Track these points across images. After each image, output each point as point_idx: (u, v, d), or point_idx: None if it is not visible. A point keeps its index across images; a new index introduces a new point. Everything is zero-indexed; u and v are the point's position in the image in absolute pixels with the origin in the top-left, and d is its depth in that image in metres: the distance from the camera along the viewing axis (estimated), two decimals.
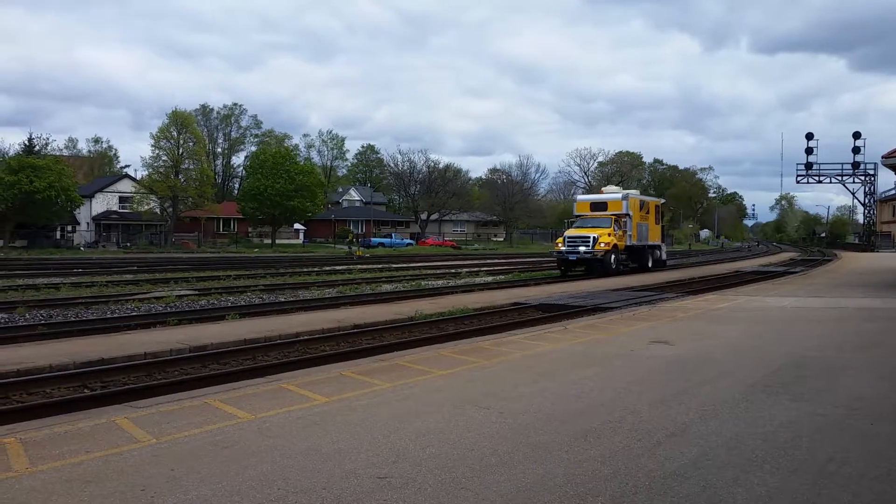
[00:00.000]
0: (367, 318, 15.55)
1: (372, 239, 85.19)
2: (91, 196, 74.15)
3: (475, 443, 5.84)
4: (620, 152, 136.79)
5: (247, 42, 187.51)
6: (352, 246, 62.21)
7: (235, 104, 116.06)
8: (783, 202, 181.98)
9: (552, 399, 7.43)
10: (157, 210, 71.80)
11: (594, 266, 31.26)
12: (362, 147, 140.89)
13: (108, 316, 16.35)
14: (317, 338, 13.22)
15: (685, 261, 53.39)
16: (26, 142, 74.77)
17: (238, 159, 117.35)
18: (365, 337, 13.74)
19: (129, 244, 67.78)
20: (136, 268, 34.76)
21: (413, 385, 8.16)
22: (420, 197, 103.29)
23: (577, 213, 35.41)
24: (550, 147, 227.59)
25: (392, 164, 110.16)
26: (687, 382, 8.41)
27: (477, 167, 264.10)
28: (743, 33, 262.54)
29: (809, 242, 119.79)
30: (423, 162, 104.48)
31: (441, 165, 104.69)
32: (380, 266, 39.77)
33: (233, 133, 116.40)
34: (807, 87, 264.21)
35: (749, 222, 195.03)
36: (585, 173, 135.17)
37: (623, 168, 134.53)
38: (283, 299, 20.71)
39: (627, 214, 33.47)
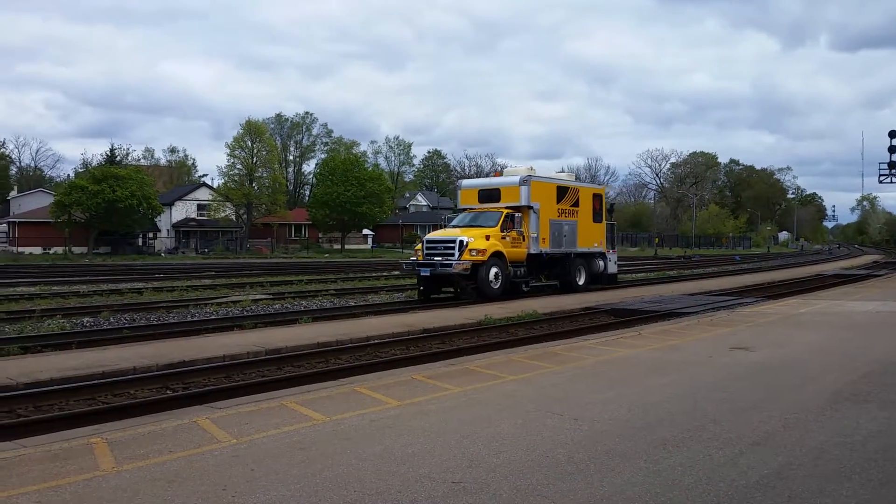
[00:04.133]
0: (436, 322, 15.59)
1: None
2: (171, 204, 76.72)
3: (549, 449, 5.77)
4: (694, 153, 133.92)
5: (320, 52, 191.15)
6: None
7: (307, 113, 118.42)
8: (865, 203, 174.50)
9: (628, 406, 7.28)
10: (233, 217, 73.84)
11: (463, 286, 20.85)
12: (428, 152, 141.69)
13: (188, 319, 16.86)
14: (387, 341, 13.33)
15: (761, 264, 51.75)
16: (108, 152, 78.14)
17: (309, 167, 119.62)
18: (434, 341, 13.78)
19: (206, 250, 69.84)
20: (213, 273, 35.76)
21: (484, 390, 8.13)
22: None
23: (463, 206, 24.14)
24: (622, 149, 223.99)
25: (458, 169, 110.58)
26: (769, 390, 8.13)
27: (545, 170, 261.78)
28: (822, 31, 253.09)
29: (894, 245, 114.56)
30: (489, 166, 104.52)
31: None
32: None
33: (304, 141, 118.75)
34: (890, 83, 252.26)
35: (829, 224, 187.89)
36: (657, 175, 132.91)
37: (697, 169, 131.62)
38: (353, 303, 20.97)
39: (529, 207, 22.30)
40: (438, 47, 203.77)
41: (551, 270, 23.89)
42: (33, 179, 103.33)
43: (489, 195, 23.27)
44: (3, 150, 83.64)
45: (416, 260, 21.70)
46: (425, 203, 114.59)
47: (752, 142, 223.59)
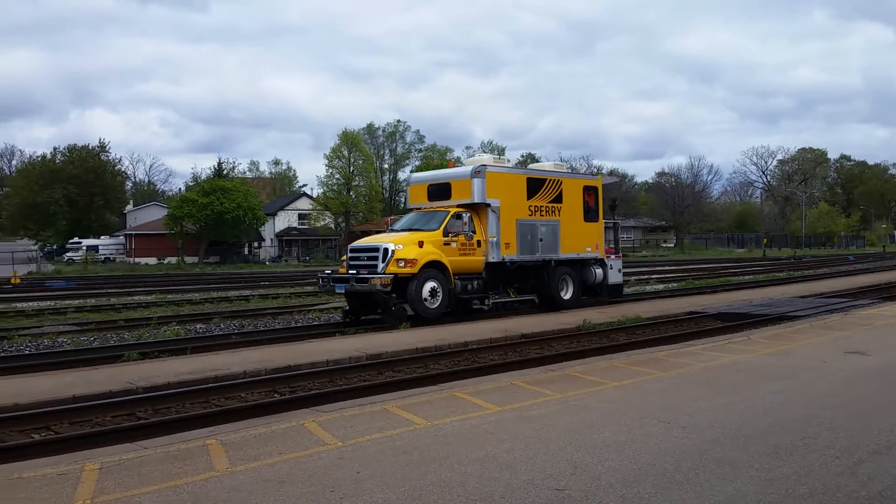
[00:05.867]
0: (533, 327, 15.50)
1: None
2: (274, 214, 79.43)
3: (656, 458, 5.63)
4: (803, 149, 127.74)
5: (416, 61, 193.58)
6: None
7: (399, 121, 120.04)
8: None
9: (738, 414, 7.02)
10: (332, 225, 75.86)
11: (386, 306, 16.51)
12: (521, 157, 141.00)
13: (293, 325, 17.41)
14: (484, 347, 13.36)
15: (876, 264, 48.86)
16: (215, 166, 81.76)
17: (403, 174, 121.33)
18: (532, 346, 13.71)
19: (307, 258, 71.95)
20: (315, 280, 36.77)
21: (586, 396, 8.02)
22: None
23: (412, 206, 20.11)
24: (725, 146, 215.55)
25: None
26: (889, 396, 7.69)
27: (645, 171, 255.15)
28: None
29: None
30: (585, 168, 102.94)
31: (604, 171, 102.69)
32: None
33: (398, 149, 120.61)
34: None
35: None
36: (763, 172, 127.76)
37: (805, 166, 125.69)
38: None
39: (486, 205, 18.03)
40: (533, 51, 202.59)
41: (524, 283, 19.37)
42: (147, 194, 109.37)
43: (439, 191, 18.94)
44: (119, 166, 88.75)
45: (331, 273, 17.71)
46: None
47: (865, 136, 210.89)
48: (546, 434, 6.38)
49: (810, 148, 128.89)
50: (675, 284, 30.57)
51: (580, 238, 20.26)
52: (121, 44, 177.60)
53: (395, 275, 16.06)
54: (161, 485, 5.17)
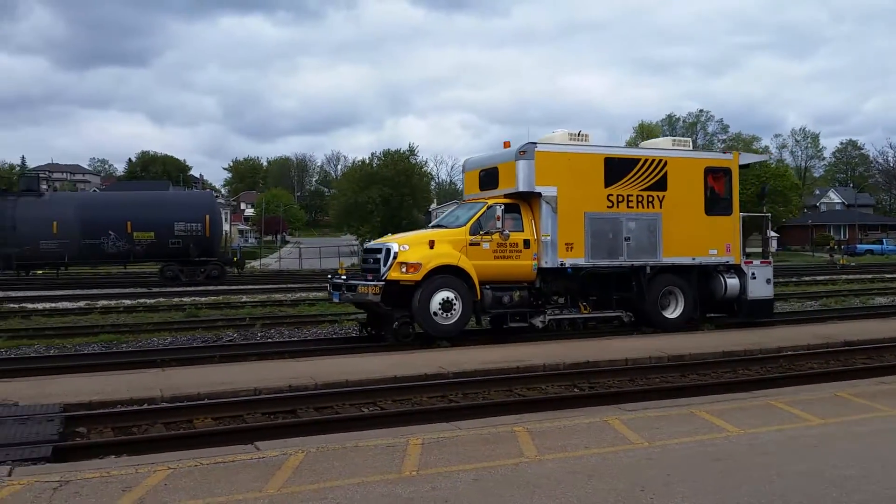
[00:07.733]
0: (859, 334, 13.90)
1: (857, 245, 76.00)
2: None
3: None
4: None
5: (721, 46, 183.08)
6: (833, 254, 56.43)
7: (701, 111, 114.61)
8: None
9: None
10: None
11: (386, 321, 13.63)
12: (841, 144, 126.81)
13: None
14: (801, 354, 12.28)
15: None
16: None
17: None
18: (859, 355, 12.29)
19: None
20: None
21: None
22: None
23: (466, 196, 16.55)
24: None
25: (880, 161, 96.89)
26: None
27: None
28: None
29: None
30: None
31: None
32: (869, 276, 35.29)
33: (699, 140, 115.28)
34: None
35: None
36: None
37: None
38: None
39: (537, 194, 14.10)
40: (858, 26, 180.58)
41: (604, 295, 14.86)
42: (449, 193, 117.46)
43: (488, 178, 15.33)
44: (425, 168, 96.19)
45: (331, 278, 14.95)
46: (839, 200, 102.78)
47: None
48: (880, 452, 5.74)
49: None
50: None
51: (699, 237, 15.25)
52: (429, 54, 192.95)
53: (397, 282, 13.12)
54: (477, 464, 5.52)
